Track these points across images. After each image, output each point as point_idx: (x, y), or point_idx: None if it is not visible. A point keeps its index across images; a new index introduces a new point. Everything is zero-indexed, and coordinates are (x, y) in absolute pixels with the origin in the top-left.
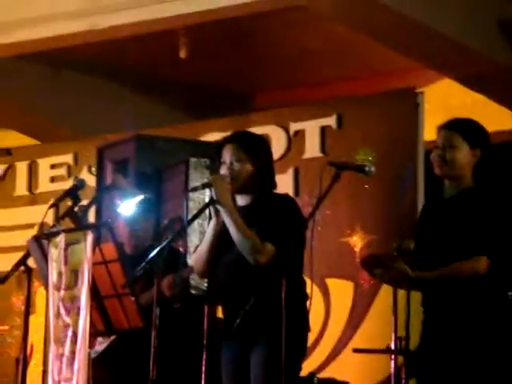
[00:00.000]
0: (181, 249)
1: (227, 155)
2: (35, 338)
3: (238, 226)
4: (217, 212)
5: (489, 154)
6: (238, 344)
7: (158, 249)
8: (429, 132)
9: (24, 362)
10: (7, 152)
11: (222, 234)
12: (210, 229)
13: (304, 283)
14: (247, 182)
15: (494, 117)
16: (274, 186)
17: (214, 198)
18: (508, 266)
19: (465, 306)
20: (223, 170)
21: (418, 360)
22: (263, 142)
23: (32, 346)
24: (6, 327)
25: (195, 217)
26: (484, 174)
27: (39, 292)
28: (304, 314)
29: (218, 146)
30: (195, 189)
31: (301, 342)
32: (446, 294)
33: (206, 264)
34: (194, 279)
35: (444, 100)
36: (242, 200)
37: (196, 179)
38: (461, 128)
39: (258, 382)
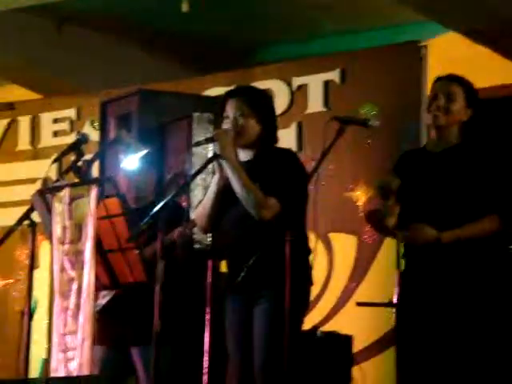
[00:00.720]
0: (184, 204)
1: (230, 110)
2: (39, 291)
3: (242, 180)
4: (220, 167)
5: (477, 116)
6: (241, 297)
7: (161, 203)
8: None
9: (29, 315)
10: (10, 106)
11: (225, 189)
12: (212, 184)
13: (307, 238)
14: (251, 137)
15: (498, 70)
16: (276, 140)
17: (218, 152)
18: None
19: (466, 260)
20: (226, 125)
21: (401, 312)
22: (267, 97)
23: (36, 300)
24: (11, 281)
25: (198, 172)
26: (471, 132)
27: (43, 246)
28: (307, 268)
29: (222, 100)
30: (198, 143)
31: (304, 296)
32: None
33: (209, 219)
34: (198, 233)
35: (447, 54)
36: (244, 155)
37: (199, 134)
38: (463, 83)
39: (261, 334)
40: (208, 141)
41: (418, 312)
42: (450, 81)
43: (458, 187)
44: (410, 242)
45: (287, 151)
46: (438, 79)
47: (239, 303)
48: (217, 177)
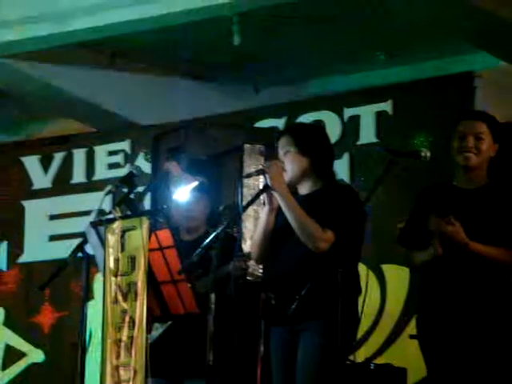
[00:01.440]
0: (236, 235)
1: (280, 147)
2: (93, 323)
3: (295, 211)
4: (270, 198)
5: (503, 151)
6: (287, 330)
7: (213, 235)
8: None
9: (82, 347)
10: (65, 139)
11: (281, 223)
12: (263, 215)
13: (358, 276)
14: (296, 172)
15: None
16: (334, 174)
17: (268, 183)
18: None
19: (481, 287)
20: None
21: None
22: (315, 130)
23: (90, 332)
24: (66, 313)
25: (249, 203)
26: (497, 170)
27: (97, 278)
28: (354, 306)
29: (278, 137)
30: (249, 175)
31: (350, 332)
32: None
33: (260, 250)
34: (250, 265)
35: (500, 85)
36: (303, 189)
37: (250, 165)
38: (487, 120)
39: (305, 368)
40: (259, 172)
41: (440, 327)
42: (475, 119)
43: (488, 225)
44: (445, 231)
45: (347, 187)
46: (462, 118)
47: (284, 336)
48: (267, 208)
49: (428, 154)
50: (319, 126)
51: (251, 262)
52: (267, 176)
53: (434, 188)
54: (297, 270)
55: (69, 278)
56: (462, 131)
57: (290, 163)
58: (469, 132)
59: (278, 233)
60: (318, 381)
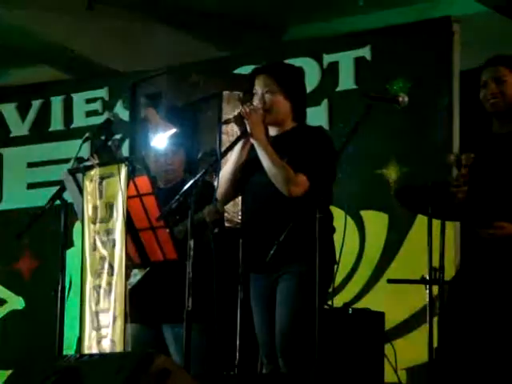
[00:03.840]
0: (214, 182)
1: (259, 86)
2: (73, 270)
3: (272, 158)
4: (245, 140)
5: None
6: (266, 275)
7: (191, 182)
8: (465, 62)
9: (62, 294)
10: (42, 87)
11: (250, 160)
12: (236, 147)
13: (331, 217)
14: (279, 114)
15: None
16: (305, 117)
17: (248, 130)
18: None
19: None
20: (255, 102)
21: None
22: (296, 72)
23: (70, 279)
24: (46, 260)
25: (228, 150)
26: None
27: (76, 226)
28: (331, 247)
29: (250, 77)
30: (227, 121)
31: (327, 275)
32: None
33: (227, 185)
34: (229, 212)
35: (479, 30)
36: (272, 130)
37: (229, 112)
38: (507, 62)
39: (284, 311)
40: (236, 119)
41: (470, 295)
42: (494, 65)
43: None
44: (493, 237)
45: (317, 129)
46: (483, 67)
47: (263, 280)
48: (242, 141)
49: (406, 99)
50: (299, 67)
51: (230, 209)
52: (246, 123)
53: (477, 140)
54: (274, 215)
55: (48, 226)
56: (483, 80)
57: (273, 105)
58: (489, 78)
59: (248, 164)
60: (297, 323)
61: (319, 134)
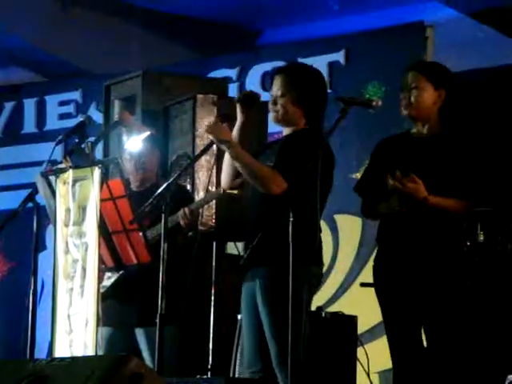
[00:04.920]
0: (188, 185)
1: (273, 88)
2: (45, 273)
3: (243, 159)
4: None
5: (454, 96)
6: (247, 277)
7: (165, 185)
8: None
9: (34, 296)
10: (15, 88)
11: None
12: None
13: (315, 221)
14: (288, 116)
15: (503, 50)
16: (315, 120)
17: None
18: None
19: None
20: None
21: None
22: (308, 75)
23: (42, 282)
24: (18, 263)
25: (201, 154)
26: (450, 117)
27: (49, 229)
28: (310, 249)
29: (271, 77)
30: (200, 155)
31: (304, 276)
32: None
33: (230, 178)
34: (203, 215)
35: (453, 34)
36: (286, 130)
37: (203, 116)
38: (425, 69)
39: (262, 313)
40: (205, 150)
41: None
42: (409, 70)
43: (441, 174)
44: (404, 189)
45: (302, 130)
46: (405, 70)
47: (247, 285)
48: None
49: (380, 103)
50: (314, 70)
51: (204, 212)
52: (213, 139)
53: (392, 139)
54: (256, 217)
55: (20, 228)
56: (400, 85)
57: (282, 107)
58: (404, 85)
59: None
60: (276, 326)
61: (299, 136)
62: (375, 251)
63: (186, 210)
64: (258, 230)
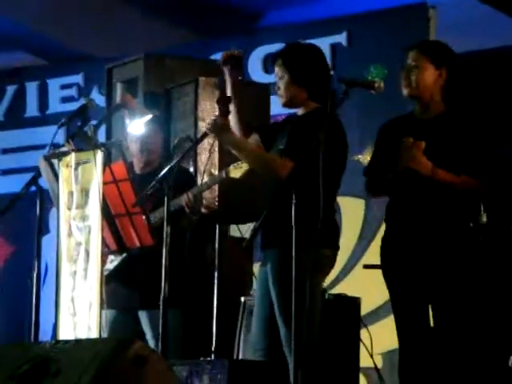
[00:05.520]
0: (190, 168)
1: (276, 71)
2: (49, 257)
3: (245, 149)
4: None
5: (457, 74)
6: (261, 267)
7: (167, 168)
8: None
9: (37, 280)
10: (17, 72)
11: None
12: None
13: (319, 202)
14: (289, 98)
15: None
16: (320, 98)
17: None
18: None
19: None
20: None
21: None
22: (304, 53)
23: (46, 266)
24: (21, 247)
25: (203, 136)
26: (453, 96)
27: (52, 212)
28: (314, 231)
29: (273, 60)
30: (203, 137)
31: (309, 258)
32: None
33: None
34: (206, 198)
35: (455, 16)
36: (299, 110)
37: (205, 98)
38: (425, 48)
39: (274, 298)
40: (203, 137)
41: (401, 270)
42: (409, 50)
43: (446, 153)
44: (409, 161)
45: (315, 111)
46: (406, 50)
47: (261, 273)
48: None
49: (382, 85)
50: (316, 48)
51: (207, 195)
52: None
53: (396, 121)
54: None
55: (23, 212)
56: (402, 65)
57: (285, 91)
58: (404, 65)
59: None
60: (284, 306)
61: (310, 116)
62: (378, 233)
63: (190, 194)
64: (270, 213)
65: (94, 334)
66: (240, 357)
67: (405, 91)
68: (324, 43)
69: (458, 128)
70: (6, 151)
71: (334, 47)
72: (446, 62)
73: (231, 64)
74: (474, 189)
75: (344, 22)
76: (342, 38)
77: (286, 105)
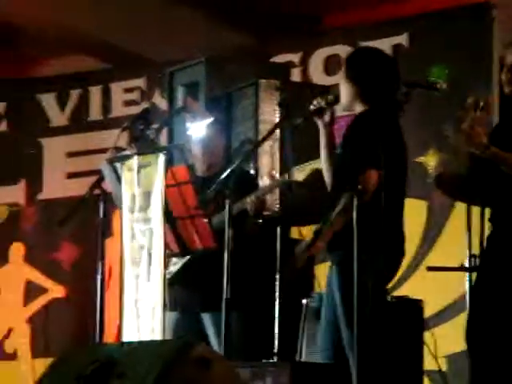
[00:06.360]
0: (251, 171)
1: None
2: (113, 259)
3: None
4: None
5: None
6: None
7: (228, 171)
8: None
9: (102, 282)
10: (80, 76)
11: None
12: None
13: (382, 207)
14: (344, 99)
15: None
16: (376, 100)
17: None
18: None
19: None
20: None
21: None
22: (360, 54)
23: (110, 268)
24: (86, 250)
25: (265, 138)
26: None
27: (116, 215)
28: (379, 236)
29: None
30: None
31: (373, 264)
32: None
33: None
34: (267, 201)
35: None
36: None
37: (266, 101)
38: None
39: (337, 302)
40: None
41: (497, 277)
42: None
43: None
44: (464, 137)
45: (362, 115)
46: (508, 45)
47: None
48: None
49: (444, 86)
50: (371, 49)
51: (268, 197)
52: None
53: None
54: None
55: (88, 215)
56: (507, 62)
57: (341, 90)
58: (505, 62)
59: None
60: (347, 310)
61: (363, 120)
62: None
63: (253, 197)
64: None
65: (158, 336)
66: (302, 359)
67: (507, 88)
68: (385, 44)
69: None
70: (70, 155)
71: (396, 48)
72: None
73: (318, 113)
74: None
75: (405, 23)
76: (403, 39)
77: (343, 107)
